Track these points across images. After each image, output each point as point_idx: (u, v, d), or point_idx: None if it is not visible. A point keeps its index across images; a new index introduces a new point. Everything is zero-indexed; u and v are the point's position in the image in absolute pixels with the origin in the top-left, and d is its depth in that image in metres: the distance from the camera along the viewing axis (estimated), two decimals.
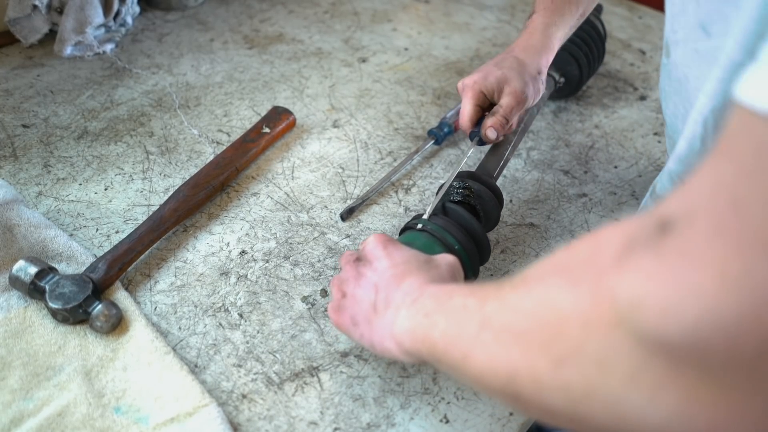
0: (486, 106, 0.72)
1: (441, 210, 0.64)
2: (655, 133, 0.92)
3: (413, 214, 0.76)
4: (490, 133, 0.69)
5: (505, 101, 0.70)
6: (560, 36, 0.75)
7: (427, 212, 0.63)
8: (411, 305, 0.46)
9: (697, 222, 0.25)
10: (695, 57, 0.47)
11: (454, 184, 0.67)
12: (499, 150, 0.74)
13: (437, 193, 0.69)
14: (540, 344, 0.32)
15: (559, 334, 0.31)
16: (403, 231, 0.64)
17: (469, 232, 0.62)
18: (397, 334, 0.46)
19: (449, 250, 0.59)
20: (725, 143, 0.26)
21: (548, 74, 0.89)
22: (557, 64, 0.90)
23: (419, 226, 0.61)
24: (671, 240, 0.26)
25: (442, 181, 0.81)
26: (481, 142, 0.73)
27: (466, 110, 0.71)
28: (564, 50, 0.90)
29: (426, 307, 0.44)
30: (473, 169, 0.71)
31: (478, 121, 0.72)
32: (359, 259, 0.53)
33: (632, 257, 0.28)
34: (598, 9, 1.05)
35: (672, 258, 0.26)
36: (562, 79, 0.91)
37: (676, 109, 0.53)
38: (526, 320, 0.34)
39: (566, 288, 0.32)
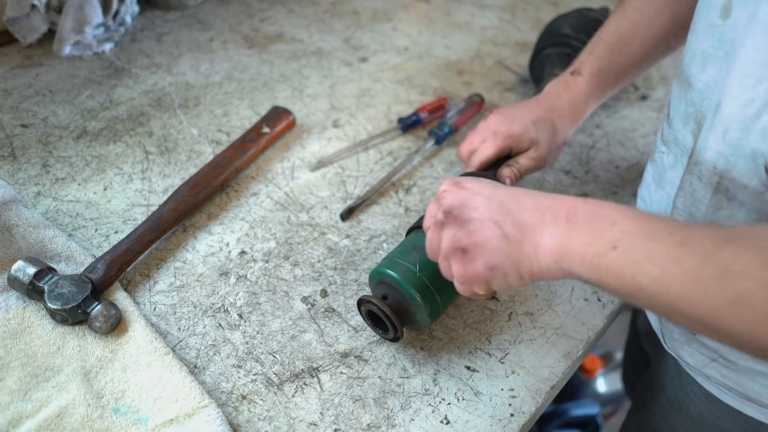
0: (504, 155, 0.71)
1: None
2: (656, 133, 0.92)
3: (413, 214, 0.76)
4: (507, 183, 0.69)
5: (524, 162, 0.69)
6: (594, 108, 0.75)
7: None
8: (566, 223, 0.44)
9: None
10: (754, 22, 0.45)
11: None
12: None
13: None
14: None
15: None
16: (409, 232, 0.64)
17: None
18: (552, 253, 0.44)
19: None
20: None
21: (552, 74, 0.89)
22: (562, 65, 0.90)
23: None
24: None
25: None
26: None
27: (485, 155, 0.69)
28: (576, 51, 0.89)
29: (603, 234, 0.42)
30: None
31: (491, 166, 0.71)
32: (448, 213, 0.50)
33: None
34: (605, 13, 1.05)
35: None
36: None
37: (718, 74, 0.51)
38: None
39: None
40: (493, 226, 0.47)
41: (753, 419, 0.58)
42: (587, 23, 0.93)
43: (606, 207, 0.44)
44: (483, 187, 0.50)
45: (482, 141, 0.70)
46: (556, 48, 0.92)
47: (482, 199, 0.49)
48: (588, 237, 0.43)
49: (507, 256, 0.47)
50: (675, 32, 0.71)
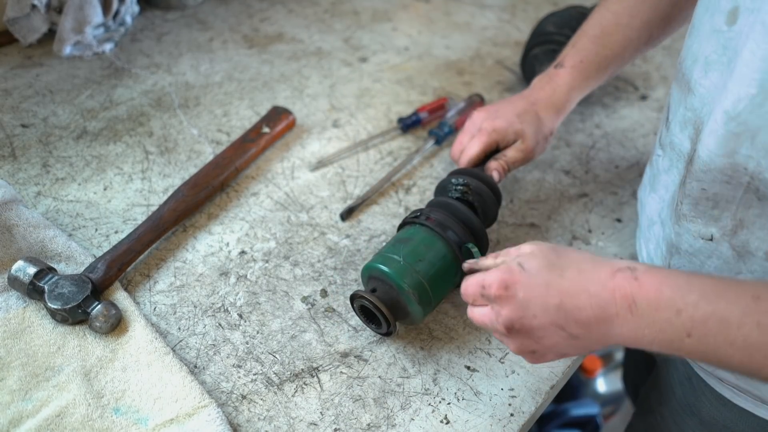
0: (492, 150, 0.72)
1: (441, 205, 0.64)
2: (656, 133, 0.92)
3: None
4: (495, 176, 0.69)
5: (512, 154, 0.70)
6: (579, 99, 0.75)
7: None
8: (630, 315, 0.44)
9: None
10: (760, 29, 0.45)
11: (453, 180, 0.67)
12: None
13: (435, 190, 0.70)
14: None
15: None
16: (402, 226, 0.64)
17: (471, 229, 0.62)
18: (625, 341, 0.46)
19: (456, 245, 0.60)
20: None
21: (541, 71, 0.89)
22: (549, 62, 0.90)
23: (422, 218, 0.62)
24: None
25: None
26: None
27: (473, 151, 0.70)
28: (561, 47, 0.89)
29: (672, 323, 0.43)
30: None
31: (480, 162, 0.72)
32: (510, 328, 0.49)
33: None
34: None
35: None
36: None
37: (719, 79, 0.51)
38: None
39: None
40: (558, 329, 0.48)
41: (767, 421, 0.58)
42: (570, 18, 0.93)
43: (663, 289, 0.44)
44: (534, 286, 0.48)
45: (470, 139, 0.71)
46: (542, 47, 0.92)
47: (538, 304, 0.48)
48: (657, 327, 0.44)
49: (576, 348, 0.49)
50: (656, 23, 0.71)
